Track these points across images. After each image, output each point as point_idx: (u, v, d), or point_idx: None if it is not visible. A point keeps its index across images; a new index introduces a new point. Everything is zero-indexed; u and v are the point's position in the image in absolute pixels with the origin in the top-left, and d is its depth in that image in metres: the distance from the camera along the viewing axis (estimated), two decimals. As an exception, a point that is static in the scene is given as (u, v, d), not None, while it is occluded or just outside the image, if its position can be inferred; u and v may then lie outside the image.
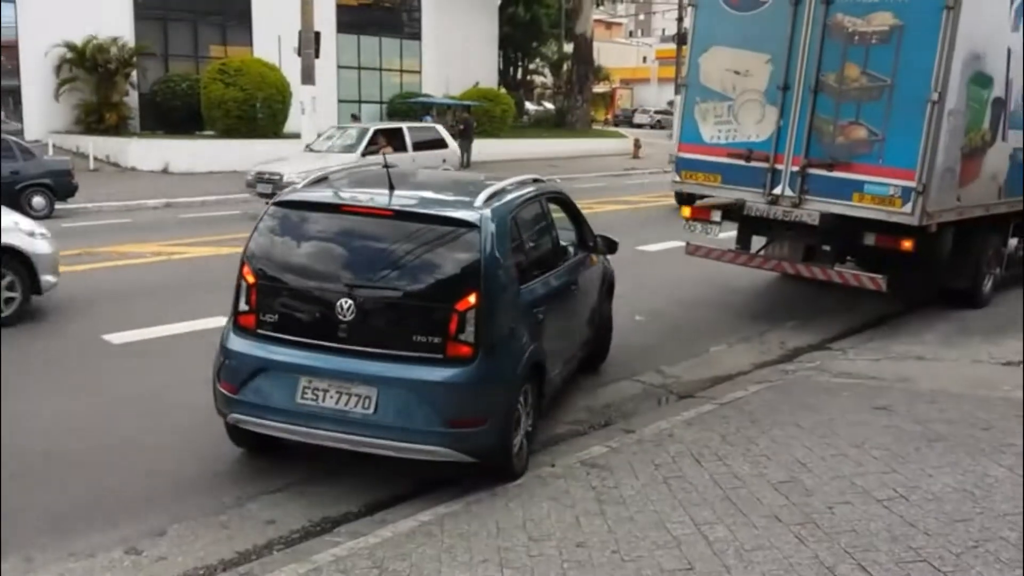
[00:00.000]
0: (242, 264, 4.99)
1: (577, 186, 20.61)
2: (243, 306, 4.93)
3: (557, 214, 6.33)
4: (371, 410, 4.63)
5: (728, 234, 9.44)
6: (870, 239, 8.36)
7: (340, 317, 4.65)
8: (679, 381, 7.21)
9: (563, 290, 5.97)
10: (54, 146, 23.59)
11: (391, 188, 5.13)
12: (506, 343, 4.89)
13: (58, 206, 15.88)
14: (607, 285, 7.41)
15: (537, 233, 5.83)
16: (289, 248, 4.99)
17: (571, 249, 6.44)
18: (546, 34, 45.30)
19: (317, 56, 21.32)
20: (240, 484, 5.00)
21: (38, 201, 15.46)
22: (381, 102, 33.69)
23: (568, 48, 41.72)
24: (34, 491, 4.81)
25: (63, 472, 5.07)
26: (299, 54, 21.18)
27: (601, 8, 48.83)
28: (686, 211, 9.51)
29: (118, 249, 11.93)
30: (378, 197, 5.12)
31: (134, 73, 26.90)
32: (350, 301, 4.65)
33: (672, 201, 14.11)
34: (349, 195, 5.32)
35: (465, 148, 28.27)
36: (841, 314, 9.41)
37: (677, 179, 9.34)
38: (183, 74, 27.72)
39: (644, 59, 73.81)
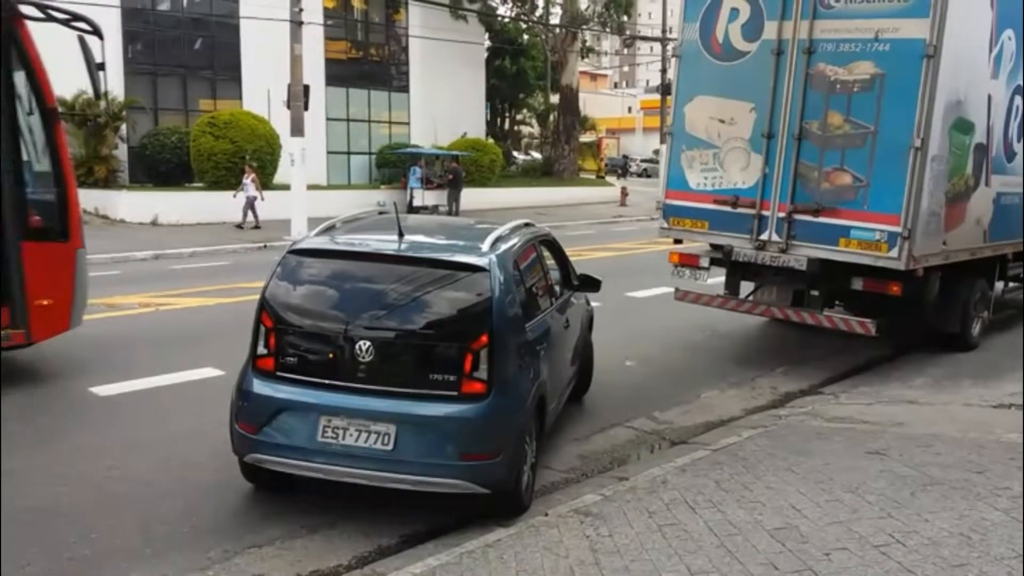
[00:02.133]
0: (260, 309, 5.15)
1: (566, 233, 20.71)
2: (261, 349, 5.09)
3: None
4: (390, 446, 4.81)
5: (716, 279, 9.48)
6: (858, 283, 8.41)
7: (359, 358, 4.87)
8: (672, 427, 7.17)
9: (558, 327, 6.26)
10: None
11: (400, 234, 5.34)
12: (516, 379, 5.13)
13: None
14: (589, 319, 7.78)
15: (534, 274, 6.11)
16: (306, 293, 5.23)
17: (558, 288, 6.71)
18: (533, 86, 45.87)
19: (306, 109, 21.53)
20: (229, 537, 4.91)
21: (26, 254, 15.37)
22: (370, 153, 33.92)
23: (554, 99, 42.24)
24: (20, 546, 4.71)
25: (50, 527, 4.97)
26: (288, 107, 21.39)
27: (586, 61, 49.53)
28: (674, 257, 9.56)
29: (106, 301, 11.86)
30: (390, 243, 5.33)
31: (123, 127, 27.02)
32: (368, 343, 4.87)
33: (660, 247, 14.18)
34: (362, 242, 5.53)
35: (454, 197, 28.47)
36: (831, 358, 9.42)
37: (665, 225, 9.40)
38: (173, 127, 27.85)
39: (629, 109, 74.78)
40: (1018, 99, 9.73)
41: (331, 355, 5.00)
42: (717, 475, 5.60)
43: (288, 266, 5.29)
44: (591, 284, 7.20)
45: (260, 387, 5.03)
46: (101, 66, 9.22)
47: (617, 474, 5.91)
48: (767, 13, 8.38)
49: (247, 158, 24.86)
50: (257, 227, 22.54)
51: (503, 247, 5.45)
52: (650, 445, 6.76)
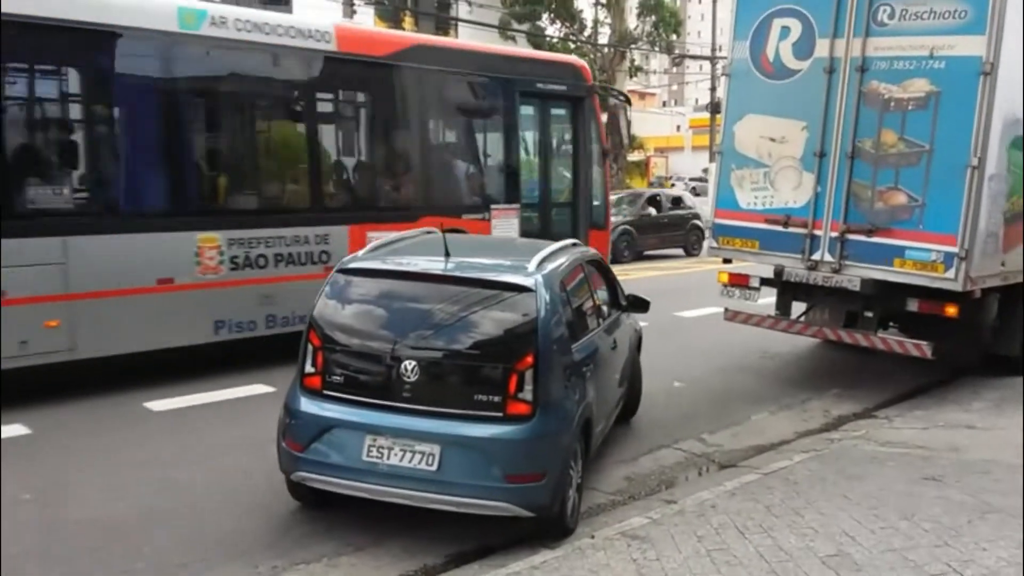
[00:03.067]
0: (308, 328, 5.20)
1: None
2: (309, 368, 5.13)
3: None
4: (435, 467, 4.79)
5: (767, 300, 9.36)
6: (913, 305, 8.23)
7: (405, 378, 4.89)
8: (721, 450, 7.08)
9: (605, 348, 6.22)
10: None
11: (447, 254, 5.38)
12: (561, 401, 5.09)
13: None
14: (637, 340, 7.76)
15: (581, 295, 6.07)
16: (354, 312, 5.28)
17: (605, 308, 6.66)
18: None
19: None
20: (277, 553, 4.94)
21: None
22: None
23: (603, 118, 42.24)
24: (74, 559, 4.80)
25: (104, 541, 5.06)
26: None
27: (635, 79, 49.48)
28: (724, 276, 9.47)
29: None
30: (436, 263, 5.37)
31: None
32: (414, 363, 4.89)
33: (708, 266, 14.08)
34: (409, 262, 5.62)
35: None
36: (885, 381, 9.23)
37: (715, 244, 9.32)
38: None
39: (678, 128, 74.42)
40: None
41: (377, 374, 5.04)
42: (768, 500, 5.51)
43: (336, 285, 5.32)
44: (640, 305, 7.20)
45: (307, 405, 5.06)
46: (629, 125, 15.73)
47: (665, 497, 5.85)
48: (819, 31, 8.30)
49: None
50: None
51: (549, 267, 5.45)
52: (699, 468, 6.68)
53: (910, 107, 7.84)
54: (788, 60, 8.52)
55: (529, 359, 4.87)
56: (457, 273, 5.31)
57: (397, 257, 5.69)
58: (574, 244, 6.52)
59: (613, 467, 6.55)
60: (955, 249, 7.63)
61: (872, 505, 5.36)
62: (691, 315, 12.61)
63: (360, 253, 5.77)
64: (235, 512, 5.48)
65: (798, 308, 9.48)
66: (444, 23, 35.72)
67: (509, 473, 4.77)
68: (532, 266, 5.30)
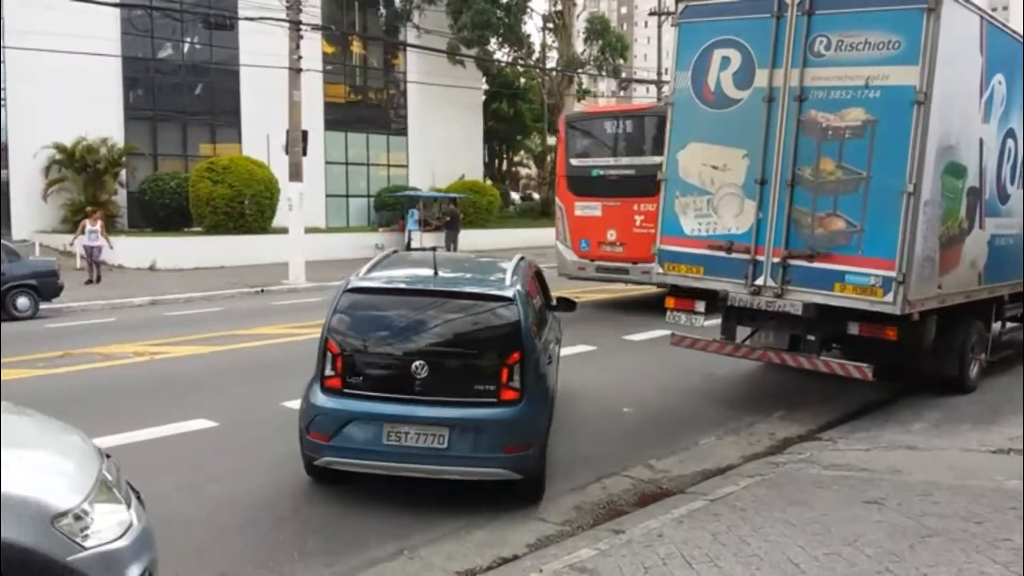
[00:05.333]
0: (326, 339, 6.10)
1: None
2: (329, 372, 6.07)
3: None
4: (445, 445, 5.88)
5: (712, 323, 9.47)
6: (854, 328, 8.39)
7: (415, 375, 5.93)
8: (669, 476, 7.11)
9: (553, 342, 7.66)
10: (41, 246, 23.65)
11: (436, 272, 6.55)
12: (539, 386, 6.30)
13: (43, 306, 15.82)
14: (560, 334, 9.00)
15: (536, 301, 7.22)
16: (366, 324, 6.21)
17: (546, 310, 7.86)
18: (530, 128, 46.26)
19: (305, 154, 21.70)
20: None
21: (22, 302, 15.42)
22: (368, 196, 34.12)
23: (551, 141, 42.54)
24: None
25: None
26: (287, 152, 21.55)
27: (583, 103, 49.97)
28: (670, 302, 9.55)
29: (100, 350, 11.84)
30: (429, 281, 6.49)
31: (123, 172, 27.21)
32: (423, 362, 5.93)
33: (657, 289, 14.21)
34: (406, 279, 6.72)
35: (451, 239, 28.57)
36: (829, 403, 9.37)
37: (660, 271, 9.41)
38: (172, 172, 28.05)
39: (627, 149, 75.21)
40: (1010, 142, 9.80)
41: (391, 373, 6.05)
42: (714, 527, 5.53)
43: (348, 301, 6.25)
44: (569, 306, 8.53)
45: (330, 403, 6.01)
46: None
47: (613, 526, 5.84)
48: (758, 61, 8.46)
49: (246, 203, 24.99)
50: (94, 280, 19.97)
51: (520, 281, 6.61)
52: (647, 495, 6.69)
53: (847, 135, 8.01)
54: (729, 90, 8.67)
55: (516, 355, 6.01)
56: (452, 288, 6.39)
57: (390, 274, 6.73)
58: (521, 258, 7.48)
59: (562, 496, 6.54)
60: (893, 273, 7.80)
61: (816, 531, 5.41)
62: (639, 338, 12.70)
63: (360, 273, 6.64)
64: (191, 555, 5.35)
65: (743, 332, 9.60)
66: (392, 48, 35.75)
67: (504, 446, 5.89)
68: (508, 281, 6.50)
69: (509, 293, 6.27)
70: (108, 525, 3.35)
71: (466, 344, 6.19)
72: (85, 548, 3.18)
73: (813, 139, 8.18)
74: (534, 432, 6.08)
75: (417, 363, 5.91)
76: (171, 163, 29.11)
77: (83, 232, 20.28)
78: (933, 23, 7.63)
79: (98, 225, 20.34)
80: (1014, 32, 10.04)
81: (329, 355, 6.06)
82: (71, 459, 3.70)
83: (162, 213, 26.91)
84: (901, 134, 7.76)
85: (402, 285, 6.52)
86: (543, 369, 6.51)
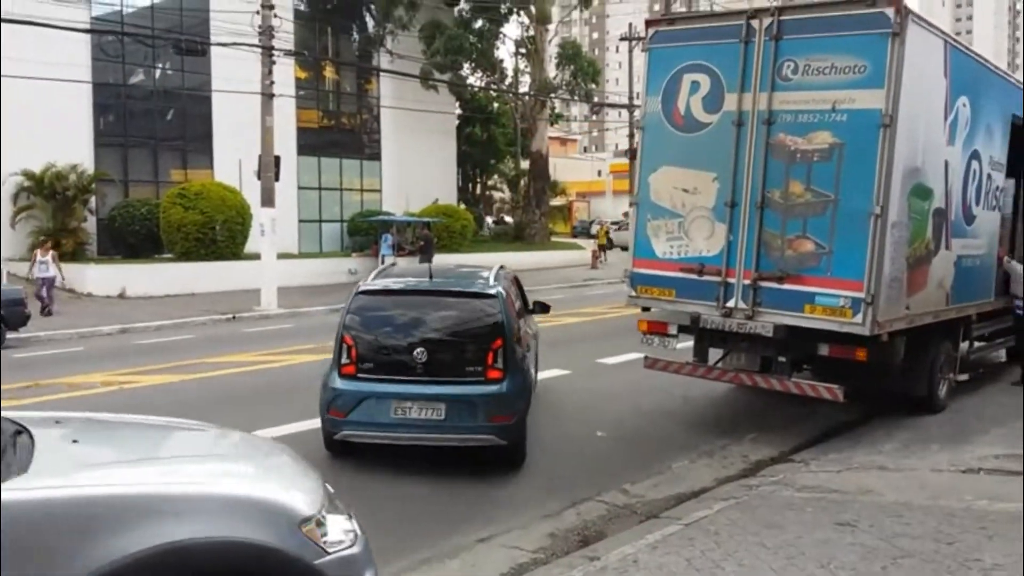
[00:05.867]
0: (342, 335, 7.43)
1: (538, 298, 20.70)
2: (344, 360, 7.39)
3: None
4: (442, 417, 7.21)
5: (685, 345, 9.49)
6: (824, 349, 8.44)
7: (417, 360, 7.27)
8: (643, 500, 7.09)
9: (529, 334, 9.18)
10: (8, 274, 23.32)
11: (431, 277, 8.05)
12: (519, 367, 7.64)
13: (9, 336, 15.57)
14: (536, 334, 10.46)
15: (515, 299, 8.62)
16: (374, 320, 7.57)
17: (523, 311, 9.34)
18: (503, 152, 46.46)
19: (277, 179, 21.62)
20: None
21: (-12, 331, 15.15)
22: (342, 221, 34.00)
23: (525, 164, 42.73)
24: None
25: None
26: (259, 178, 21.45)
27: (556, 127, 50.29)
28: (643, 325, 9.57)
29: (68, 380, 11.66)
30: (426, 283, 7.94)
31: (92, 199, 26.94)
32: (423, 348, 7.28)
33: (631, 312, 14.23)
34: (408, 282, 8.14)
35: (426, 263, 28.49)
36: (801, 423, 9.41)
37: (632, 293, 9.43)
38: (143, 199, 27.81)
39: (599, 173, 75.70)
40: (975, 164, 9.95)
41: (397, 360, 7.34)
42: (688, 552, 5.51)
43: (359, 303, 7.60)
44: (543, 308, 10.27)
45: (346, 385, 7.32)
46: None
47: (588, 553, 5.80)
48: (727, 86, 8.55)
49: (217, 229, 24.83)
50: (48, 312, 19.23)
51: (501, 281, 8.11)
52: (621, 520, 6.66)
53: (815, 158, 8.10)
54: (699, 113, 8.75)
55: (499, 341, 7.37)
56: (446, 287, 7.90)
57: (396, 280, 8.17)
58: (501, 267, 8.89)
59: (537, 522, 6.50)
60: (862, 295, 7.87)
61: (790, 554, 5.40)
62: (613, 361, 12.70)
63: (369, 279, 8.07)
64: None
65: (715, 354, 9.63)
66: (365, 73, 35.81)
67: (491, 416, 7.20)
68: (491, 281, 8.02)
69: (493, 291, 7.72)
70: (341, 533, 3.47)
71: (458, 334, 7.53)
72: (328, 553, 3.32)
73: (782, 162, 8.27)
74: (515, 405, 7.41)
75: (418, 350, 7.25)
76: (142, 189, 28.87)
77: (35, 262, 19.93)
78: (898, 47, 7.75)
79: (49, 256, 19.98)
80: (978, 55, 10.24)
81: (344, 346, 7.38)
82: (298, 471, 3.84)
83: (132, 240, 26.65)
84: (868, 157, 7.86)
85: (404, 287, 7.99)
86: (521, 354, 7.88)
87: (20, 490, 2.88)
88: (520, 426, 7.51)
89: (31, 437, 3.41)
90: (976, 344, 11.39)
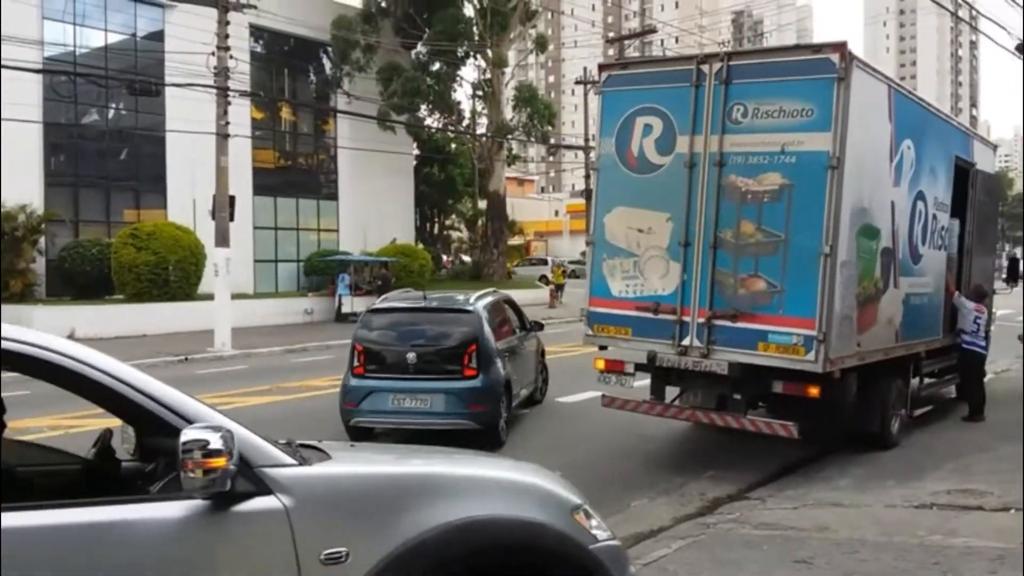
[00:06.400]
0: (354, 343, 9.92)
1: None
2: (355, 363, 9.77)
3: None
4: (429, 406, 9.46)
5: (643, 383, 9.53)
6: (778, 387, 8.54)
7: (410, 362, 9.60)
8: (601, 541, 7.03)
9: (516, 346, 11.24)
10: (-47, 316, 22.72)
11: (424, 297, 10.78)
12: (492, 368, 9.73)
13: (-48, 379, 15.10)
14: (541, 350, 12.93)
15: (499, 316, 10.93)
16: (378, 331, 10.03)
17: (517, 327, 11.76)
18: (461, 192, 46.70)
19: (232, 219, 21.46)
20: None
21: (-70, 375, 14.69)
22: (298, 260, 33.81)
23: (482, 204, 42.96)
24: None
25: None
26: (214, 218, 21.28)
27: (513, 167, 50.70)
28: (600, 363, 9.60)
29: (13, 425, 11.32)
30: (420, 301, 10.55)
31: (42, 239, 26.48)
32: (414, 353, 9.64)
33: (588, 350, 14.27)
34: (405, 302, 10.69)
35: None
36: (758, 461, 9.46)
37: (589, 332, 9.48)
38: (94, 239, 27.39)
39: (556, 212, 76.40)
40: (920, 204, 10.22)
41: (394, 362, 9.71)
42: (646, 592, 5.48)
43: (367, 319, 10.18)
44: (537, 326, 12.71)
45: (356, 382, 9.70)
46: None
47: (545, 595, 5.73)
48: (679, 128, 8.71)
49: (170, 269, 24.54)
50: None
51: (482, 301, 10.38)
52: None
53: (765, 199, 8.26)
54: (652, 155, 8.89)
55: (474, 347, 9.60)
56: (433, 305, 10.39)
57: (398, 301, 10.73)
58: (495, 291, 11.54)
59: (494, 565, 6.42)
60: (814, 332, 7.98)
61: (747, 592, 5.41)
62: (571, 400, 12.71)
63: (377, 302, 10.62)
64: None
65: (672, 392, 9.69)
66: (322, 113, 35.87)
67: (469, 405, 9.42)
68: (472, 300, 10.29)
69: (470, 308, 10.07)
70: (600, 526, 3.60)
71: (442, 340, 9.86)
72: (598, 540, 3.46)
73: (733, 203, 8.41)
74: (488, 397, 9.54)
75: (410, 354, 9.60)
76: (93, 230, 28.45)
77: None
78: (843, 91, 7.97)
79: None
80: (921, 99, 10.57)
81: (355, 352, 9.78)
82: (551, 473, 4.01)
83: (82, 281, 26.19)
84: (816, 198, 8.03)
85: (402, 305, 10.50)
86: (495, 357, 9.83)
87: (339, 464, 3.26)
88: (493, 414, 9.56)
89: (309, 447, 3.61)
90: (926, 380, 11.60)
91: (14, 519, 2.56)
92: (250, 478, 2.82)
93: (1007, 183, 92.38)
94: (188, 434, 2.68)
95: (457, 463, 3.73)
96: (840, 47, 8.03)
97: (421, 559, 2.98)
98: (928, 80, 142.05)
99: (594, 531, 3.48)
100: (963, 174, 11.49)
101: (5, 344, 2.80)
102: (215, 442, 2.67)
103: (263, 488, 2.85)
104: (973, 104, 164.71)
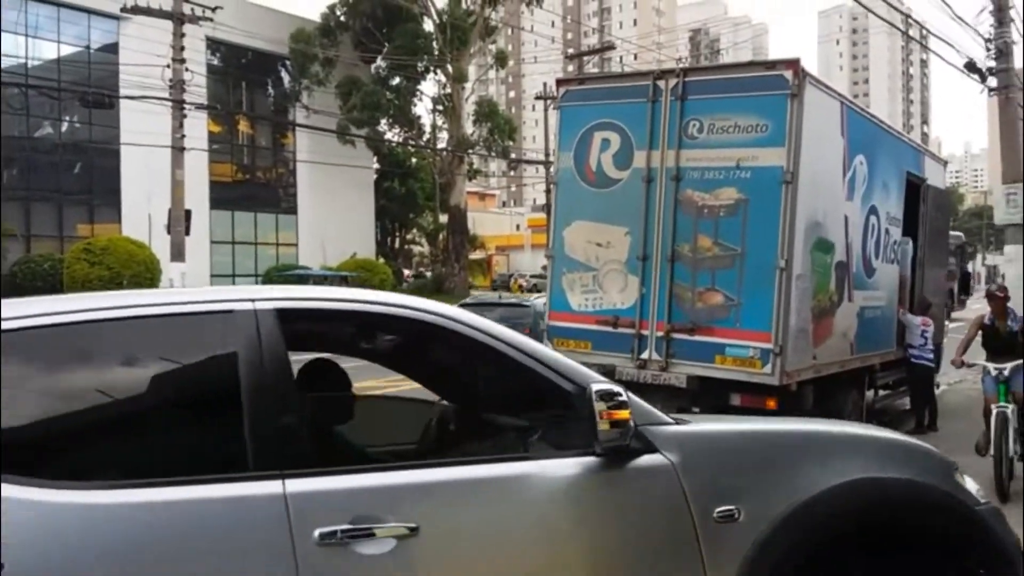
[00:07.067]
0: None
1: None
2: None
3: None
4: None
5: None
6: (736, 399, 8.58)
7: None
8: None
9: None
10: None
11: (500, 296, 12.87)
12: None
13: None
14: None
15: None
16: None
17: None
18: (422, 206, 46.63)
19: (188, 234, 21.20)
20: None
21: None
22: (256, 275, 33.46)
23: (443, 219, 42.93)
24: None
25: None
26: (169, 232, 21.00)
27: (474, 181, 50.72)
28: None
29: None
30: (494, 298, 13.20)
31: (-8, 254, 25.96)
32: None
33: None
34: (483, 300, 13.11)
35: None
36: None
37: (550, 347, 9.46)
38: (46, 254, 26.90)
39: (517, 227, 76.55)
40: (873, 218, 10.38)
41: None
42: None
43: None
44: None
45: None
46: None
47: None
48: (636, 143, 8.76)
49: (124, 284, 24.16)
50: None
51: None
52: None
53: (721, 213, 8.33)
54: (610, 170, 8.92)
55: None
56: (501, 301, 12.49)
57: (478, 301, 12.14)
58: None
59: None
60: (770, 345, 8.05)
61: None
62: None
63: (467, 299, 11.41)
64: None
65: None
66: (281, 127, 35.64)
67: None
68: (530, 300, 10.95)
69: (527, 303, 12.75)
70: (975, 487, 3.46)
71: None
72: (980, 502, 3.33)
73: (690, 217, 8.47)
74: None
75: None
76: (45, 244, 27.94)
77: None
78: (797, 108, 8.07)
79: None
80: (873, 116, 10.77)
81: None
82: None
83: (34, 296, 25.65)
84: (771, 212, 8.12)
85: (480, 302, 12.73)
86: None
87: (717, 423, 3.39)
88: None
89: None
90: (881, 392, 11.76)
91: (440, 474, 2.70)
92: (637, 436, 2.82)
93: (958, 198, 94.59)
94: (598, 386, 2.74)
95: (828, 424, 3.66)
96: (793, 64, 8.14)
97: (812, 518, 2.93)
98: (880, 98, 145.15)
99: (979, 492, 3.39)
100: (914, 189, 11.70)
101: (410, 313, 2.96)
102: (622, 394, 2.72)
103: (649, 446, 2.86)
104: (924, 121, 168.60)
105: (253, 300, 2.69)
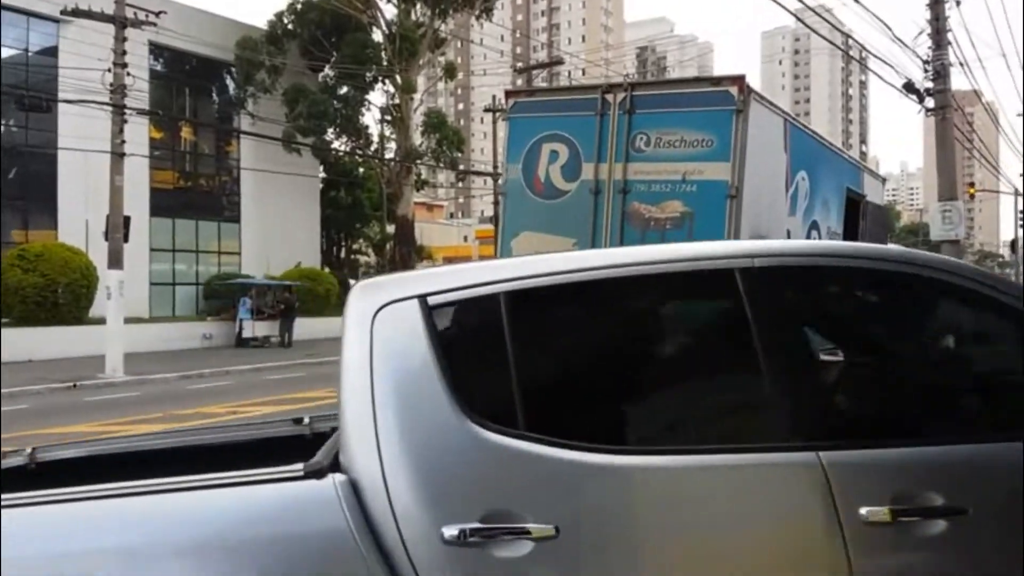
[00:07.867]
0: None
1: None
2: None
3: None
4: None
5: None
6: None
7: None
8: None
9: None
10: None
11: None
12: None
13: None
14: None
15: None
16: None
17: None
18: (369, 216, 46.26)
19: (126, 241, 20.69)
20: None
21: None
22: (197, 284, 32.85)
23: (391, 229, 42.68)
24: None
25: None
26: (107, 239, 20.49)
27: (422, 192, 50.58)
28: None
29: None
30: None
31: (-80, 259, 25.05)
32: None
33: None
34: None
35: (286, 328, 27.83)
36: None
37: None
38: (-23, 260, 26.07)
39: (465, 238, 76.50)
40: (814, 233, 10.58)
41: None
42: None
43: None
44: None
45: None
46: None
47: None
48: (584, 156, 8.80)
49: (60, 292, 23.56)
50: None
51: None
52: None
53: (668, 226, 8.40)
54: (558, 181, 8.95)
55: None
56: None
57: None
58: None
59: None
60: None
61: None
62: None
63: None
64: None
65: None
66: (225, 134, 35.14)
67: None
68: None
69: None
70: None
71: None
72: None
73: (637, 229, 8.53)
74: None
75: None
76: (-23, 250, 27.07)
77: None
78: (741, 123, 8.19)
79: None
80: (815, 133, 10.98)
81: None
82: None
83: (-36, 304, 24.85)
84: (716, 225, 8.21)
85: None
86: None
87: None
88: None
89: None
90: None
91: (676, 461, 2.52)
92: None
93: (895, 215, 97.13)
94: None
95: None
96: (739, 80, 8.26)
97: None
98: (821, 117, 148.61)
99: None
100: (854, 205, 11.95)
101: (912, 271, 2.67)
102: None
103: None
104: (863, 140, 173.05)
105: (751, 257, 2.58)
